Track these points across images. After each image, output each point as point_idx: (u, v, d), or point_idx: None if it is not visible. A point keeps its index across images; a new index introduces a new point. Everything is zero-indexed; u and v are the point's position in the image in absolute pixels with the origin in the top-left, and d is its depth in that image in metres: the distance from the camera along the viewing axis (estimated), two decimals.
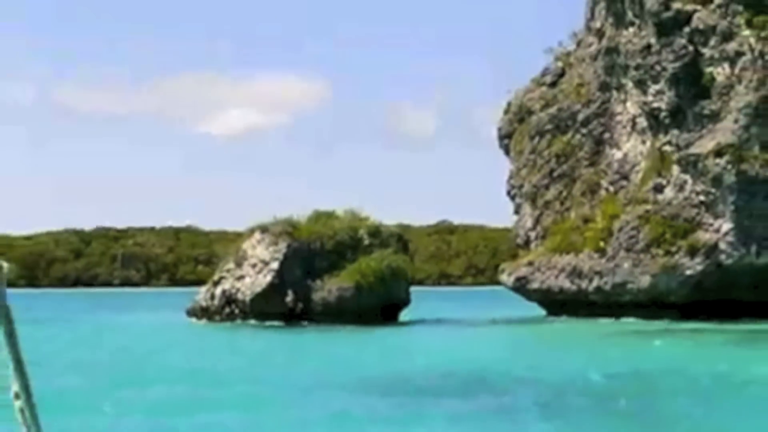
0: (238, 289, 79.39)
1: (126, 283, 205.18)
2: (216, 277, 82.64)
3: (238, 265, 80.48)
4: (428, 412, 32.13)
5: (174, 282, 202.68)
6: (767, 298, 73.68)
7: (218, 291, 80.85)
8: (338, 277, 78.32)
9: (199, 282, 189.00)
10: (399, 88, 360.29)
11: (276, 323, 75.68)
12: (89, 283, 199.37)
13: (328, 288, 78.27)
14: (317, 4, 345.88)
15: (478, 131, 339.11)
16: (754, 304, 73.45)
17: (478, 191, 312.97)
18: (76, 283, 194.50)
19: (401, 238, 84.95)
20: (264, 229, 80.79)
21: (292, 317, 76.88)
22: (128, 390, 37.62)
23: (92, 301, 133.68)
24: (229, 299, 79.70)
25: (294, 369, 47.14)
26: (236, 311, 78.95)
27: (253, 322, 77.09)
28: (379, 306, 78.21)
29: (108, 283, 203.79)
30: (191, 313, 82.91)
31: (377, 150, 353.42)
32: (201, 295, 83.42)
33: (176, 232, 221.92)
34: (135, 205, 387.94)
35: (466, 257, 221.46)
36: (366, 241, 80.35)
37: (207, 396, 36.78)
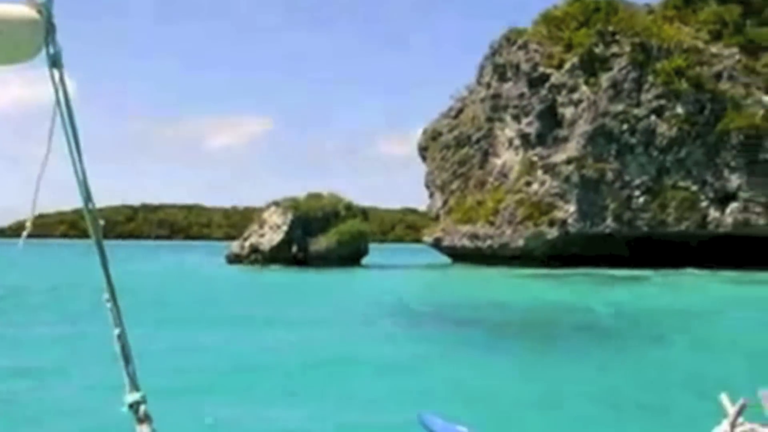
0: (260, 243, 78.13)
1: (158, 237, 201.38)
2: (245, 235, 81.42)
3: (261, 227, 79.61)
4: (382, 319, 31.48)
5: (187, 237, 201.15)
6: (594, 252, 74.42)
7: (247, 244, 79.69)
8: (326, 236, 77.42)
9: (202, 237, 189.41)
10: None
11: (285, 266, 73.92)
12: (136, 237, 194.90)
13: (320, 243, 77.29)
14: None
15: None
16: (587, 257, 74.00)
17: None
18: (128, 237, 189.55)
19: (365, 212, 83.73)
20: (277, 204, 79.79)
21: (295, 262, 75.65)
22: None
23: (144, 249, 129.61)
24: (254, 249, 78.33)
25: (300, 292, 47.76)
26: (259, 257, 77.33)
27: (270, 265, 75.00)
28: (351, 254, 77.44)
29: (147, 237, 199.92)
30: (228, 258, 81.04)
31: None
32: (235, 246, 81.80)
33: (189, 207, 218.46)
34: (163, 190, 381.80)
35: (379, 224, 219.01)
36: (343, 213, 79.35)
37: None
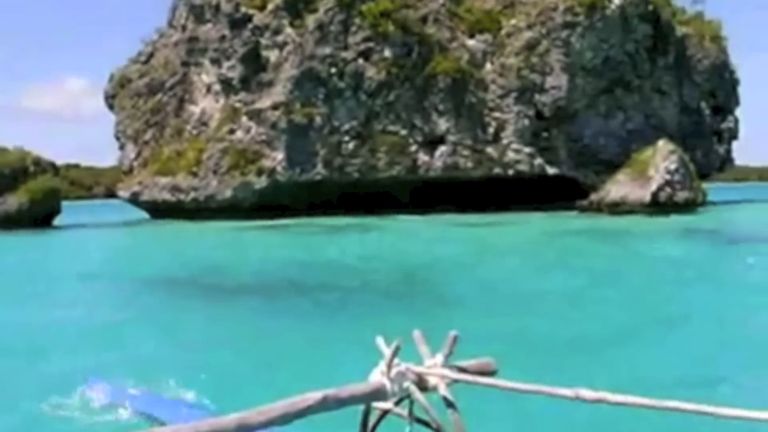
0: None
1: None
2: None
3: None
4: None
5: None
6: (305, 201, 71.87)
7: None
8: (15, 195, 67.68)
9: None
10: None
11: None
12: None
13: (8, 203, 67.60)
14: None
15: None
16: (299, 206, 70.93)
17: None
18: None
19: (55, 167, 74.21)
20: None
21: None
22: None
23: None
24: None
25: None
26: None
27: None
28: (44, 215, 68.49)
29: None
30: None
31: None
32: None
33: None
34: None
35: None
36: (32, 169, 69.64)
37: None
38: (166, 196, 74.78)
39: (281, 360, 13.58)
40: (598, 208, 67.75)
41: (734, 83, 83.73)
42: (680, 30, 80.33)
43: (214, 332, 16.92)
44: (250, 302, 21.27)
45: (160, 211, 75.59)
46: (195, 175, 73.71)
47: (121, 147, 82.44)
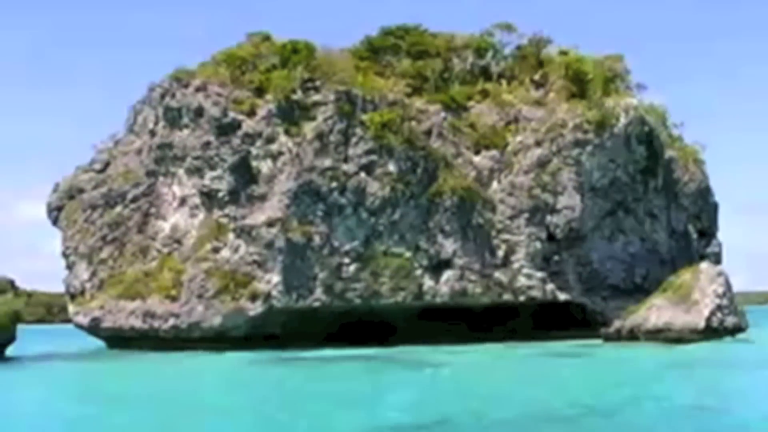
0: None
1: None
2: None
3: None
4: None
5: None
6: (297, 329, 63.18)
7: None
8: None
9: None
10: None
11: None
12: None
13: None
14: None
15: None
16: (291, 334, 62.69)
17: None
18: None
19: (14, 285, 62.16)
20: None
21: None
22: None
23: None
24: None
25: None
26: None
27: None
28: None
29: None
30: None
31: None
32: None
33: None
34: None
35: None
36: None
37: None
38: (136, 322, 64.05)
39: None
40: (631, 335, 61.97)
41: (715, 207, 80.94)
42: (667, 152, 77.19)
43: None
44: None
45: (123, 339, 64.73)
46: (173, 299, 63.53)
47: (70, 266, 70.96)
